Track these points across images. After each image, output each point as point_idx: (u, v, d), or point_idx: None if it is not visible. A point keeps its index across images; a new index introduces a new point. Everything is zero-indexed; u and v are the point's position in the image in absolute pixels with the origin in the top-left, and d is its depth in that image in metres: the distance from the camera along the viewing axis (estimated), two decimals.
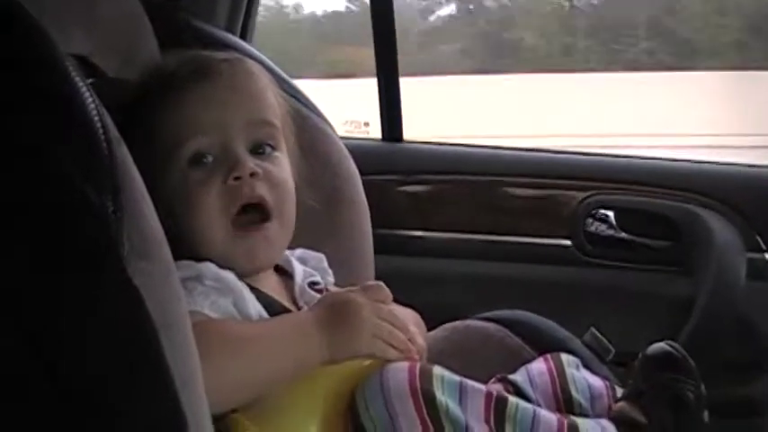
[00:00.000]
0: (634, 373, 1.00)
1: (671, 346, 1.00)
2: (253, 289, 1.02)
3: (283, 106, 1.13)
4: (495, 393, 0.91)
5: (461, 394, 0.89)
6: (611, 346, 1.18)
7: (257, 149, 1.05)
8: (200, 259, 0.99)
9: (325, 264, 1.18)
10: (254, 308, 0.99)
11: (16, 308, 0.59)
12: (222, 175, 1.02)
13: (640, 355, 1.00)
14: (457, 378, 0.90)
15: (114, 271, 0.61)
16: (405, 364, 0.90)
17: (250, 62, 1.13)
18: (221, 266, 1.01)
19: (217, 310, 0.94)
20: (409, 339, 0.97)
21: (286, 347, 0.92)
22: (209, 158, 1.02)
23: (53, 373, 0.59)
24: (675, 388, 0.96)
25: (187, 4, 1.52)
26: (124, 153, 0.65)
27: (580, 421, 0.94)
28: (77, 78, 0.64)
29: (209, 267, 0.98)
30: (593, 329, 1.21)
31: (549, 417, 0.93)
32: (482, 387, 0.91)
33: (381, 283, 1.02)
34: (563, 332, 1.25)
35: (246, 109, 1.05)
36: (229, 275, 0.99)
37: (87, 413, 0.60)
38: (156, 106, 1.04)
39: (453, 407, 0.88)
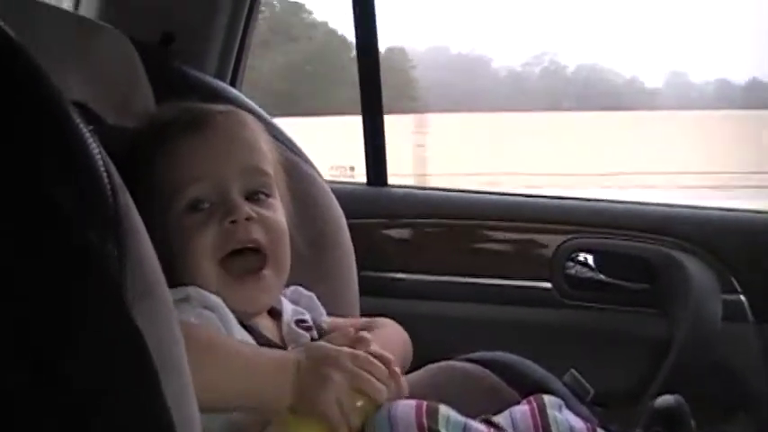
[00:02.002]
0: (640, 419, 1.02)
1: (677, 401, 1.02)
2: (243, 326, 1.05)
3: (274, 154, 1.17)
4: None
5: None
6: (589, 387, 1.20)
7: (252, 196, 1.09)
8: None
9: (316, 301, 1.21)
10: (239, 331, 1.02)
11: (24, 347, 0.61)
12: (218, 219, 1.05)
13: (648, 405, 1.02)
14: (462, 419, 0.93)
15: (118, 315, 0.62)
16: (413, 402, 0.93)
17: (243, 113, 1.17)
18: None
19: (201, 319, 0.98)
20: (394, 381, 0.99)
21: (259, 373, 0.94)
22: (206, 204, 1.06)
23: (56, 412, 0.60)
24: None
25: (178, 50, 1.55)
26: (127, 199, 0.67)
27: None
28: (81, 124, 0.66)
29: (198, 291, 1.01)
30: (572, 371, 1.22)
31: None
32: (485, 429, 0.94)
33: (365, 336, 1.03)
34: (543, 372, 1.27)
35: (241, 158, 1.09)
36: (217, 299, 1.02)
37: None
38: (154, 155, 1.07)
39: None
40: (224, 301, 1.04)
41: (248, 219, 1.06)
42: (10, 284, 0.60)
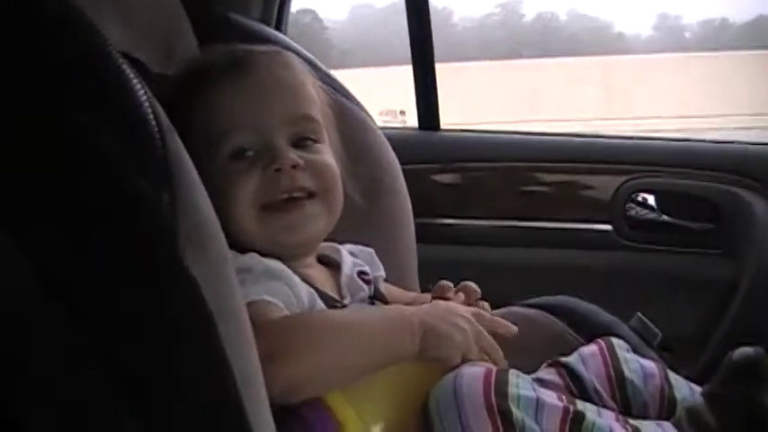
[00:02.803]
0: (711, 368, 0.97)
1: (757, 353, 0.97)
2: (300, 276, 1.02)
3: (323, 98, 1.13)
4: (571, 409, 0.90)
5: (537, 411, 0.88)
6: (657, 331, 1.17)
7: (299, 143, 1.05)
8: (243, 249, 0.99)
9: (376, 258, 1.18)
10: (306, 290, 0.98)
11: (75, 301, 0.59)
12: (262, 167, 1.01)
13: (726, 358, 0.97)
14: (533, 394, 0.89)
15: (171, 263, 0.61)
16: (480, 372, 0.89)
17: (288, 54, 1.12)
18: (265, 253, 1.00)
19: (274, 295, 0.93)
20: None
21: (377, 336, 0.92)
22: (250, 152, 1.02)
23: (112, 363, 0.59)
24: (755, 398, 0.94)
25: None
26: (177, 143, 0.65)
27: (644, 425, 0.93)
28: (129, 72, 0.65)
29: (255, 258, 0.98)
30: (639, 315, 1.19)
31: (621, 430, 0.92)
32: (559, 403, 0.90)
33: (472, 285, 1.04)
34: (608, 317, 1.24)
35: (286, 103, 1.05)
36: (276, 264, 0.98)
37: (145, 404, 0.60)
38: (194, 102, 1.03)
39: (529, 423, 0.86)
40: (267, 237, 1.01)
41: (294, 166, 1.01)
42: (59, 236, 0.59)
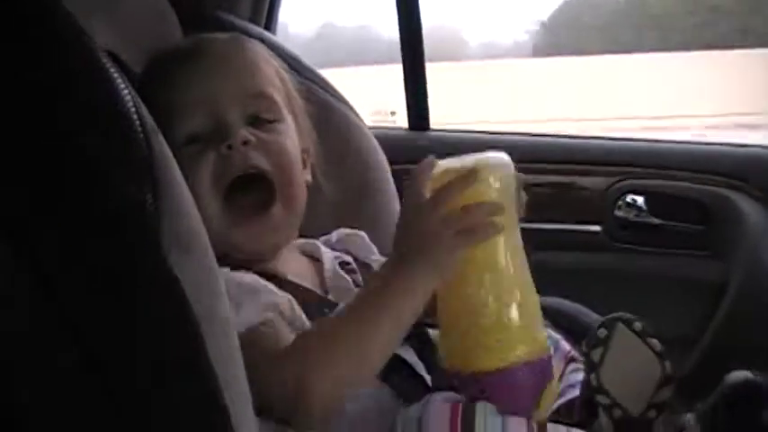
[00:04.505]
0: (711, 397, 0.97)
1: (752, 377, 0.96)
2: (273, 277, 0.99)
3: (288, 82, 1.10)
4: (536, 428, 0.87)
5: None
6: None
7: (254, 122, 1.02)
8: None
9: (368, 241, 1.16)
10: (285, 299, 0.95)
11: (59, 301, 0.59)
12: (215, 147, 0.98)
13: (721, 382, 0.96)
14: (499, 422, 0.85)
15: (155, 264, 0.61)
16: (447, 406, 0.86)
17: (246, 39, 1.10)
18: (223, 250, 0.98)
19: (265, 308, 0.91)
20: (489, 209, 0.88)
21: (394, 312, 0.87)
22: (204, 135, 1.00)
23: (95, 364, 0.59)
24: (751, 423, 0.94)
25: None
26: (161, 144, 0.65)
27: None
28: (113, 70, 0.65)
29: (226, 275, 0.92)
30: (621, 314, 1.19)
31: None
32: (524, 427, 0.87)
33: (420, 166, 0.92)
34: (594, 316, 1.24)
35: (238, 82, 1.03)
36: (249, 278, 0.95)
37: (128, 404, 0.60)
38: (154, 91, 1.01)
39: None
40: (230, 240, 0.98)
41: (245, 143, 0.98)
42: (39, 237, 0.59)
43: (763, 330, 1.55)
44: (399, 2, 1.79)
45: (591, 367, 0.94)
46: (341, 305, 0.96)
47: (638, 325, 0.97)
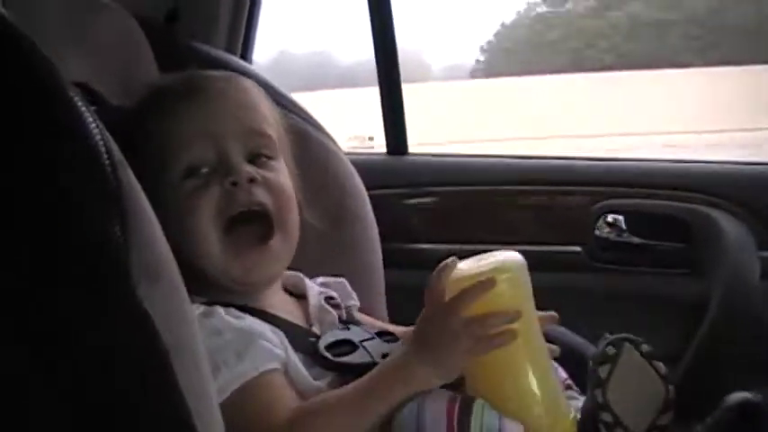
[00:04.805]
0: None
1: (754, 398, 0.96)
2: (263, 313, 1.01)
3: (279, 121, 1.12)
4: None
5: None
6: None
7: (254, 159, 1.03)
8: (201, 279, 0.97)
9: (348, 288, 1.17)
10: (277, 336, 0.98)
11: (29, 336, 0.58)
12: (218, 182, 1.00)
13: (723, 402, 0.97)
14: (496, 422, 0.88)
15: (124, 297, 0.60)
16: (444, 402, 0.88)
17: (243, 79, 1.12)
18: (221, 283, 0.99)
19: (263, 359, 0.94)
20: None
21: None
22: (205, 169, 1.01)
23: (66, 398, 0.58)
24: None
25: (186, 27, 1.51)
26: (130, 177, 0.65)
27: None
28: (80, 104, 0.64)
29: (222, 320, 0.95)
30: (607, 335, 1.19)
31: None
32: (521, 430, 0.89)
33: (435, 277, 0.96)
34: (577, 339, 1.24)
35: (239, 119, 1.04)
36: (246, 322, 0.97)
37: None
38: (150, 126, 1.03)
39: None
40: (229, 272, 1.00)
41: (251, 180, 1.00)
42: (14, 269, 0.58)
43: (745, 348, 1.55)
44: (375, 27, 1.79)
45: (598, 383, 0.95)
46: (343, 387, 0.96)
47: (644, 347, 0.99)
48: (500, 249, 1.01)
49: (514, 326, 0.90)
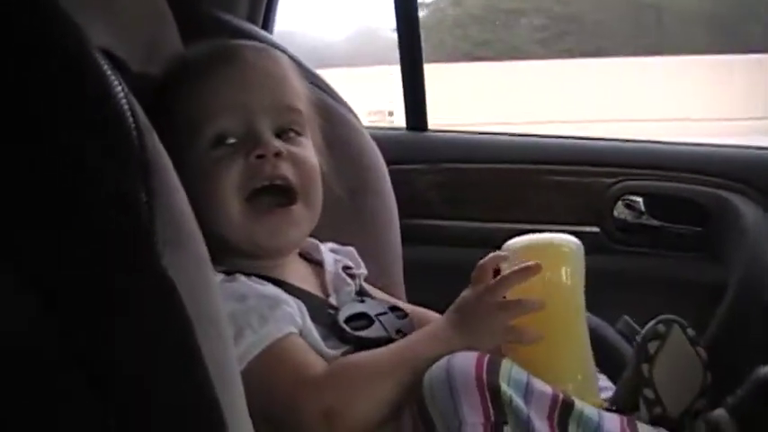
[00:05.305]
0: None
1: None
2: (282, 283, 1.01)
3: (308, 95, 1.12)
4: (561, 397, 0.90)
5: (527, 393, 0.89)
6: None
7: (282, 134, 1.04)
8: (223, 248, 0.97)
9: (356, 256, 1.17)
10: (296, 305, 0.98)
11: (51, 300, 0.58)
12: (245, 154, 1.00)
13: (753, 374, 0.98)
14: (524, 375, 0.90)
15: (148, 261, 0.60)
16: (473, 354, 0.90)
17: (274, 50, 1.12)
18: (243, 249, 1.00)
19: (288, 322, 0.95)
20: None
21: (424, 358, 0.92)
22: (232, 139, 1.01)
23: (88, 364, 0.58)
24: None
25: None
26: (155, 142, 0.65)
27: (641, 426, 0.93)
28: (106, 68, 0.64)
29: (245, 284, 0.98)
30: (625, 317, 1.19)
31: (613, 422, 0.91)
32: (549, 390, 0.90)
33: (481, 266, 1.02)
34: (594, 320, 1.23)
35: (271, 92, 1.04)
36: (269, 289, 0.98)
37: (122, 406, 0.59)
38: (180, 92, 1.03)
39: (517, 400, 0.87)
40: (251, 237, 1.01)
41: (277, 154, 1.01)
42: (43, 233, 0.58)
43: (762, 331, 1.55)
44: (398, 3, 1.78)
45: (645, 357, 0.98)
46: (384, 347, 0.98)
47: (690, 331, 1.02)
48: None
49: (563, 302, 0.99)
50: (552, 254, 1.02)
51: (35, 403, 0.58)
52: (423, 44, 1.80)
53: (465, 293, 0.99)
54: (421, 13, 1.75)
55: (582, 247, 1.04)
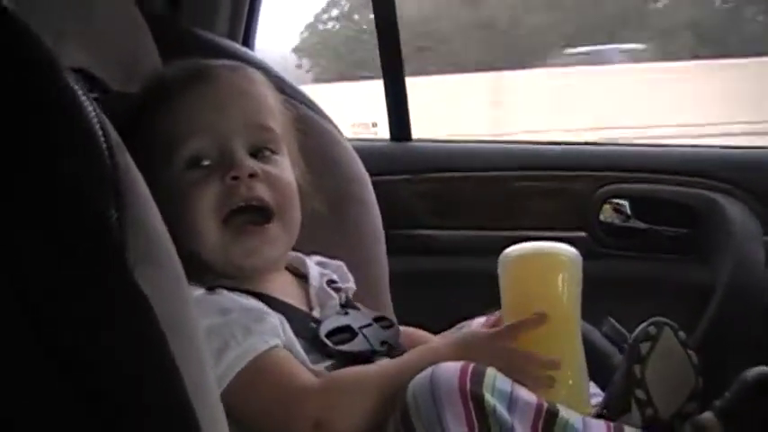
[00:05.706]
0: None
1: None
2: (264, 296, 1.01)
3: (286, 113, 1.12)
4: (546, 406, 0.90)
5: (511, 403, 0.89)
6: (628, 334, 1.17)
7: (257, 153, 1.04)
8: (200, 268, 0.98)
9: (345, 270, 1.17)
10: (278, 319, 0.98)
11: (29, 315, 0.58)
12: (220, 176, 1.00)
13: (740, 376, 0.98)
14: (508, 385, 0.90)
15: (120, 278, 0.60)
16: (457, 364, 0.90)
17: (251, 69, 1.12)
18: (219, 269, 1.00)
19: (272, 334, 0.95)
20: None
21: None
22: (207, 161, 1.01)
23: (66, 376, 0.58)
24: None
25: (188, 14, 1.51)
26: (127, 159, 0.65)
27: (628, 429, 0.93)
28: (75, 86, 0.64)
29: (227, 297, 0.98)
30: (610, 319, 1.19)
31: (599, 430, 0.92)
32: (534, 400, 0.90)
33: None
34: (583, 324, 1.23)
35: (245, 112, 1.04)
36: (251, 302, 0.98)
37: (97, 417, 0.59)
38: (154, 112, 1.03)
39: (501, 409, 0.87)
40: (228, 257, 1.01)
41: (252, 175, 1.01)
42: (14, 251, 0.59)
43: (750, 333, 1.55)
44: (378, 14, 1.79)
45: (637, 358, 0.99)
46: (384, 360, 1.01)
47: (682, 334, 1.02)
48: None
49: (559, 312, 1.00)
50: (550, 263, 1.05)
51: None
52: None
53: (477, 333, 1.02)
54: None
55: (580, 257, 1.05)
